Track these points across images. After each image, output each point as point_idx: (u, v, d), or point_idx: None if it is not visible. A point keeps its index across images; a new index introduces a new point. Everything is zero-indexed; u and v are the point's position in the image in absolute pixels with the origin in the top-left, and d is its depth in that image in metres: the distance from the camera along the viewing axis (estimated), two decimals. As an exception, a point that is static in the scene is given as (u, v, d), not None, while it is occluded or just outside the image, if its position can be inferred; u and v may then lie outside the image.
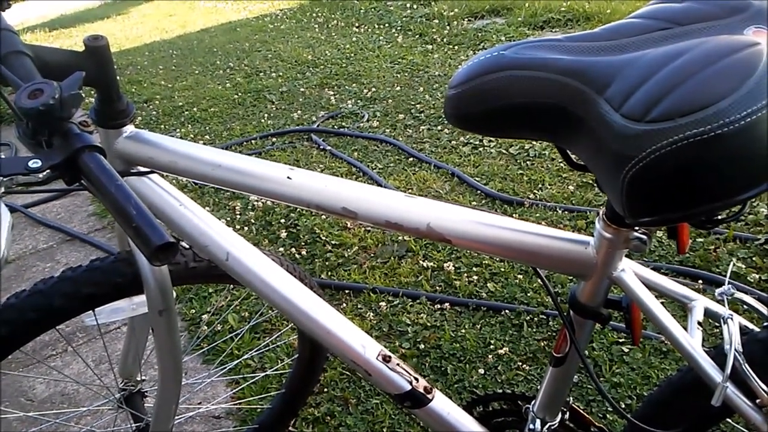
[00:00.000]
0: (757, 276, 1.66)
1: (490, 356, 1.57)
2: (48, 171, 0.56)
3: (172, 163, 0.78)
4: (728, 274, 0.75)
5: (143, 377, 1.16)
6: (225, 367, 1.64)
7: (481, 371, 1.53)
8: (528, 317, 1.67)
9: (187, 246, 0.93)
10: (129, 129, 0.81)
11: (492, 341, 1.62)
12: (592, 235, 0.66)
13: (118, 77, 0.76)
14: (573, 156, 0.61)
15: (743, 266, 1.70)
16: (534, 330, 1.63)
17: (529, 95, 0.54)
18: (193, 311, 1.91)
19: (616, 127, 0.49)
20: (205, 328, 1.83)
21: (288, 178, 0.74)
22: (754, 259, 1.73)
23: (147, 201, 0.83)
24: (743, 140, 0.44)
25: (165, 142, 0.80)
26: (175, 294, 2.01)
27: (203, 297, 1.97)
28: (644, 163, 0.47)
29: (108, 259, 0.91)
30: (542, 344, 1.59)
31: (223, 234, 0.84)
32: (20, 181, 0.55)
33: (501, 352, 1.57)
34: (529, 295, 1.75)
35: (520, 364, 1.54)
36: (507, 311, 1.70)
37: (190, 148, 0.78)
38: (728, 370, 0.59)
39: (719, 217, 0.53)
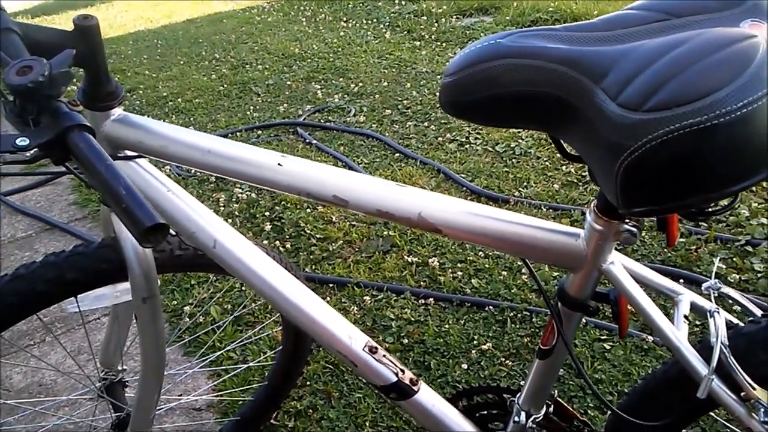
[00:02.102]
0: (738, 276, 1.68)
1: (473, 351, 1.58)
2: (36, 150, 0.55)
3: (162, 147, 0.77)
4: (713, 271, 0.75)
5: (124, 367, 1.14)
6: (207, 359, 1.63)
7: (465, 366, 1.54)
8: (512, 313, 1.68)
9: (174, 233, 0.92)
10: (117, 112, 0.80)
11: (475, 337, 1.62)
12: (583, 228, 0.66)
13: None
14: (567, 147, 0.61)
15: (724, 266, 1.72)
16: (517, 326, 1.64)
17: (525, 84, 0.54)
18: (175, 303, 1.89)
19: (612, 116, 0.49)
20: (187, 319, 1.81)
21: (279, 165, 0.74)
22: (734, 259, 1.75)
23: (134, 185, 0.82)
24: (739, 131, 0.44)
25: (154, 126, 0.78)
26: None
27: (185, 288, 1.95)
28: (640, 152, 0.47)
29: (92, 245, 0.89)
30: (525, 340, 1.59)
31: (210, 221, 0.83)
32: (7, 159, 0.54)
33: (484, 347, 1.58)
34: (513, 291, 1.76)
35: (503, 359, 1.55)
36: (491, 307, 1.71)
37: (180, 132, 0.77)
38: (714, 362, 0.60)
39: (711, 209, 0.53)
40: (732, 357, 0.60)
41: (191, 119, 3.37)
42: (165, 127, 0.78)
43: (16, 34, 0.64)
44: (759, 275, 1.68)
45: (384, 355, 0.86)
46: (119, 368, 1.15)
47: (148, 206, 0.51)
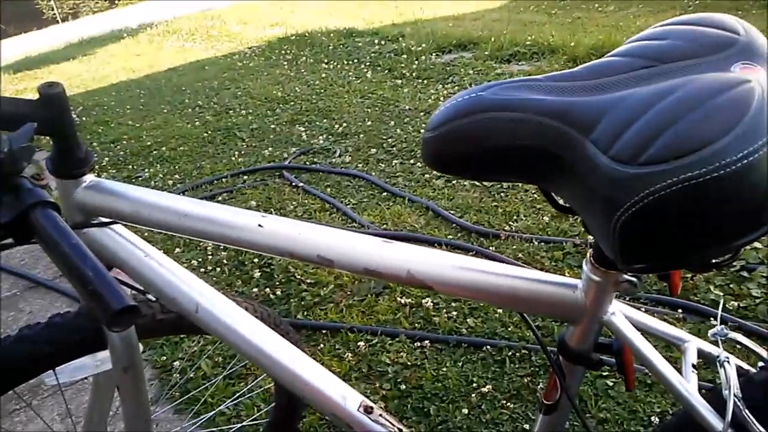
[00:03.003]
0: (736, 303, 1.65)
1: (473, 395, 1.53)
2: (-3, 230, 0.52)
3: (135, 212, 0.74)
4: (719, 312, 0.73)
5: (110, 437, 1.09)
6: (200, 419, 1.56)
7: (465, 411, 1.49)
8: (510, 353, 1.64)
9: (154, 298, 0.88)
10: (88, 178, 0.77)
11: (474, 379, 1.58)
12: (580, 277, 0.63)
13: (83, 119, 0.72)
14: (558, 199, 0.59)
15: (722, 293, 1.70)
16: (516, 366, 1.60)
17: (510, 138, 0.52)
18: (164, 358, 1.84)
19: (604, 170, 0.46)
20: (177, 376, 1.76)
21: (259, 225, 0.71)
22: (731, 286, 1.73)
23: (110, 253, 0.79)
24: (741, 182, 0.42)
25: (127, 190, 0.76)
26: (144, 342, 1.93)
27: (175, 343, 1.90)
28: (637, 207, 0.44)
29: (68, 314, 0.86)
30: (526, 380, 1.55)
31: (192, 284, 0.80)
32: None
33: (484, 390, 1.53)
34: (509, 329, 1.72)
35: (504, 402, 1.50)
36: (488, 347, 1.67)
37: (154, 196, 0.74)
38: (728, 417, 0.56)
39: (714, 261, 0.50)
40: (746, 410, 0.57)
41: (176, 167, 3.35)
42: (138, 191, 0.75)
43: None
44: (757, 301, 1.66)
45: (381, 415, 0.82)
46: (104, 439, 1.09)
47: (118, 287, 0.48)
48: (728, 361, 0.59)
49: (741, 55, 0.48)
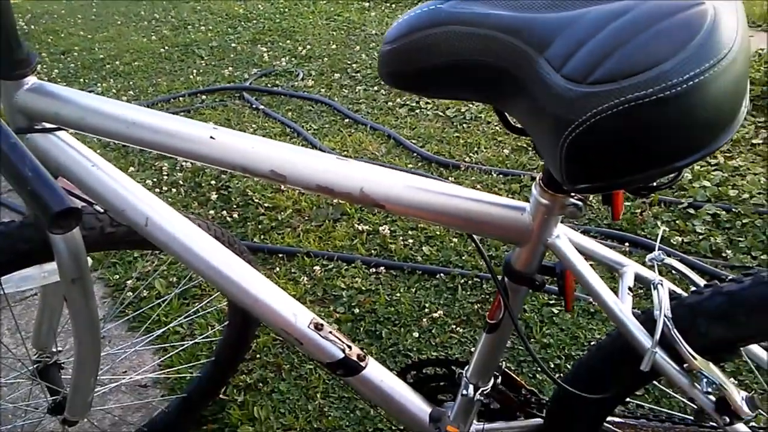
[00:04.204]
0: (680, 239, 1.72)
1: (424, 320, 1.57)
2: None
3: (81, 119, 0.71)
4: (658, 240, 0.75)
5: (59, 348, 1.09)
6: (152, 335, 1.57)
7: (416, 335, 1.53)
8: (462, 280, 1.68)
9: (102, 210, 0.86)
10: (31, 81, 0.73)
11: (427, 304, 1.62)
12: (528, 201, 0.64)
13: (31, 27, 0.68)
14: (511, 119, 0.59)
15: (668, 229, 1.76)
16: (468, 293, 1.65)
17: (466, 53, 0.51)
18: (117, 277, 1.82)
19: (556, 88, 0.46)
20: (130, 294, 1.75)
21: (211, 138, 0.69)
22: (677, 222, 1.79)
23: (55, 161, 0.76)
24: (685, 104, 0.43)
25: (72, 95, 0.72)
26: (96, 258, 1.90)
27: (128, 262, 1.88)
28: (585, 126, 0.45)
29: (12, 223, 0.83)
30: (476, 307, 1.60)
31: (142, 197, 0.78)
32: None
33: (435, 315, 1.58)
34: (464, 258, 1.76)
35: (454, 327, 1.55)
36: (442, 274, 1.71)
37: (100, 102, 0.71)
38: (657, 335, 0.59)
39: (655, 184, 0.52)
40: (675, 329, 0.60)
41: (130, 83, 3.22)
42: (85, 97, 0.72)
43: None
44: (701, 237, 1.73)
45: (330, 332, 0.84)
46: (53, 350, 1.09)
47: (58, 189, 0.47)
48: (661, 284, 0.62)
49: (700, -23, 0.48)
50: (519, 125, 0.57)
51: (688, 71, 0.42)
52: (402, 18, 0.55)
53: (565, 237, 0.65)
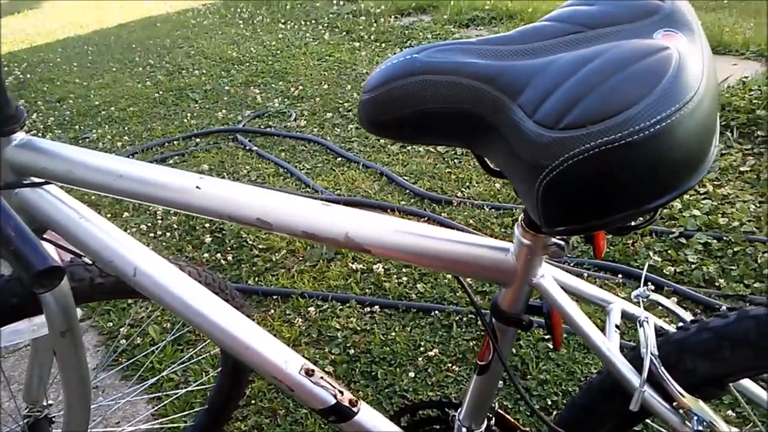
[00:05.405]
0: (673, 268, 1.72)
1: (420, 359, 1.56)
2: None
3: (68, 172, 0.72)
4: (643, 275, 0.76)
5: (49, 402, 1.08)
6: (145, 383, 1.56)
7: (412, 374, 1.52)
8: (457, 317, 1.67)
9: (90, 261, 0.86)
10: (19, 136, 0.75)
11: (422, 343, 1.61)
12: (512, 241, 0.65)
13: (27, 76, 0.69)
14: (490, 162, 0.60)
15: (659, 259, 1.76)
16: (463, 330, 1.64)
17: (442, 101, 0.52)
18: (111, 324, 1.81)
19: (529, 134, 0.47)
20: (124, 341, 1.74)
21: (197, 187, 0.70)
22: (669, 252, 1.80)
23: (44, 214, 0.77)
24: (653, 147, 0.44)
25: (60, 149, 0.73)
26: (90, 306, 1.88)
27: (122, 308, 1.87)
28: (557, 171, 0.45)
29: (1, 277, 0.83)
30: (471, 344, 1.59)
31: (129, 247, 0.79)
32: None
33: (431, 354, 1.57)
34: (458, 295, 1.76)
35: (450, 365, 1.54)
36: (437, 312, 1.70)
37: (87, 156, 0.72)
38: (645, 374, 0.59)
39: (633, 223, 0.52)
40: (662, 367, 0.60)
41: (125, 128, 3.25)
42: (72, 151, 0.73)
43: None
44: (693, 266, 1.73)
45: (321, 377, 0.83)
46: (44, 403, 1.08)
47: (41, 248, 0.47)
48: (647, 321, 0.62)
49: (664, 22, 0.50)
50: (497, 168, 0.58)
51: (654, 115, 0.43)
52: (380, 68, 0.56)
53: (550, 276, 0.65)
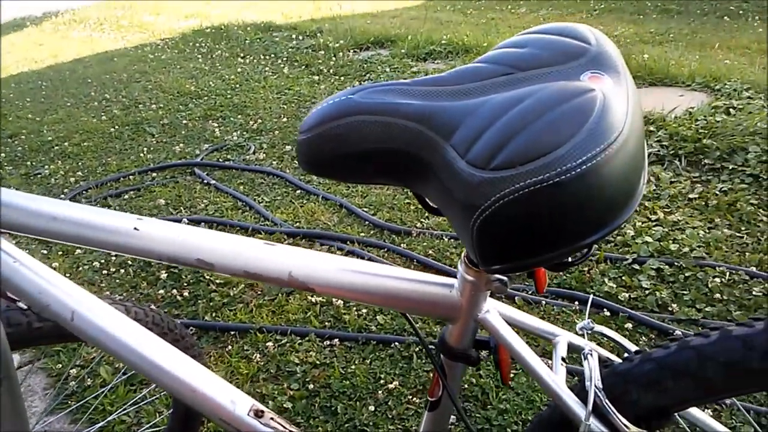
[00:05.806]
0: (627, 294, 1.75)
1: (380, 392, 1.54)
2: None
3: (-1, 216, 0.69)
4: (588, 304, 0.76)
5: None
6: (95, 426, 1.50)
7: (372, 408, 1.50)
8: (417, 348, 1.66)
9: (26, 306, 0.83)
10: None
11: (382, 375, 1.59)
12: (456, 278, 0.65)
13: None
14: (429, 201, 0.60)
15: (614, 285, 1.79)
16: (423, 361, 1.63)
17: (378, 141, 0.53)
18: (60, 366, 1.74)
19: (462, 174, 0.48)
20: (74, 383, 1.67)
21: (135, 229, 0.68)
22: (623, 278, 1.83)
23: (-26, 259, 0.74)
24: (582, 187, 0.44)
25: (-10, 193, 0.71)
26: (38, 348, 1.82)
27: (72, 348, 1.80)
28: (490, 211, 0.46)
29: (-68, 326, 0.79)
30: (431, 375, 1.58)
31: (67, 290, 0.76)
32: None
33: (391, 386, 1.55)
34: (418, 325, 1.75)
35: (411, 397, 1.52)
36: (397, 343, 1.69)
37: (17, 198, 0.70)
38: (589, 407, 0.59)
39: (570, 259, 0.53)
40: (606, 399, 0.60)
41: (80, 164, 3.19)
42: (3, 194, 0.71)
43: None
44: (647, 292, 1.76)
45: (272, 418, 0.81)
46: (-19, 456, 1.02)
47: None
48: (591, 354, 0.63)
49: (590, 64, 0.51)
50: (435, 206, 0.58)
51: (582, 155, 0.44)
52: (315, 108, 0.56)
53: (495, 311, 0.65)
